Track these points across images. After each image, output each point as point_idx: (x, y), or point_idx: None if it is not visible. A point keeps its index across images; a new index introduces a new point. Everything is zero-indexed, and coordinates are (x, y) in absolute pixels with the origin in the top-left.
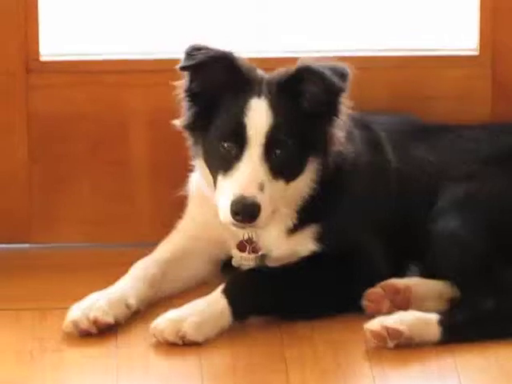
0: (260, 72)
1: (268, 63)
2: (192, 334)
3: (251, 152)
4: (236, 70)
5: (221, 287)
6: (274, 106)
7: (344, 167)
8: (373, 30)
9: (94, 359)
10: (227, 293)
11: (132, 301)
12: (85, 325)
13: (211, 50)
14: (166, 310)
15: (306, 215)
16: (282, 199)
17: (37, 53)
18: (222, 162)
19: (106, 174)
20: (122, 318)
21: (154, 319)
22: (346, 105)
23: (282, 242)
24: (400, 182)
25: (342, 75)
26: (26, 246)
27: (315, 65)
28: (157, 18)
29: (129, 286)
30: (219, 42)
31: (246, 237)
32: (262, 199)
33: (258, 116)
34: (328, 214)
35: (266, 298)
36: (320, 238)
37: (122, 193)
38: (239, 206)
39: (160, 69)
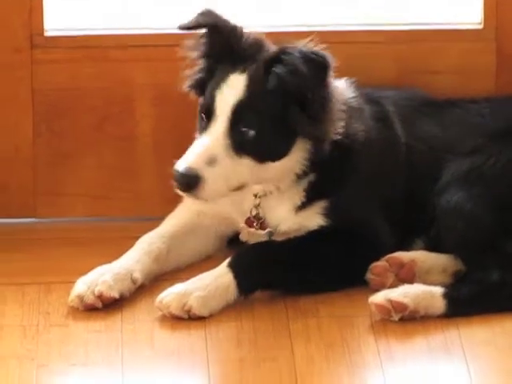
0: (266, 48)
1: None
2: (198, 309)
3: (215, 125)
4: (237, 42)
5: (227, 261)
6: (250, 83)
7: (354, 145)
8: (377, 4)
9: (99, 333)
10: (233, 267)
11: (137, 275)
12: (90, 299)
13: (220, 17)
14: (171, 283)
15: (315, 193)
16: (256, 176)
17: (41, 28)
18: (199, 133)
19: (111, 149)
20: (127, 292)
21: (159, 293)
22: (332, 89)
23: (289, 217)
24: (408, 158)
25: (318, 66)
26: (32, 220)
27: (295, 50)
28: None
29: (134, 260)
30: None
31: (253, 213)
32: (209, 173)
33: (229, 91)
34: (337, 190)
35: (271, 271)
36: (328, 214)
37: (128, 168)
38: (177, 176)
39: (166, 43)
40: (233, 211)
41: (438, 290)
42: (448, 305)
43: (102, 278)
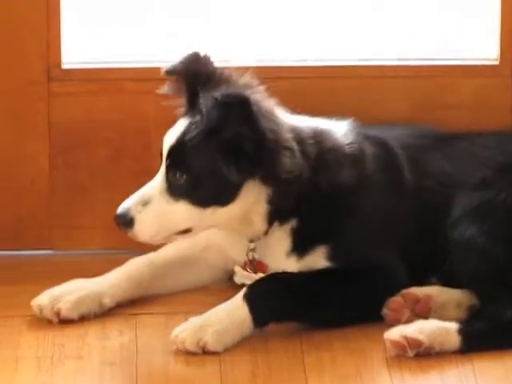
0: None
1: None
2: (213, 344)
3: (160, 170)
4: (197, 89)
5: (241, 294)
6: (186, 129)
7: (344, 191)
8: (392, 39)
9: (113, 366)
10: (248, 300)
11: (107, 300)
12: (48, 313)
13: (199, 64)
14: (185, 317)
15: (304, 239)
16: (202, 221)
17: (58, 60)
18: None
19: (126, 182)
20: (90, 315)
21: (174, 326)
22: (265, 128)
23: (291, 262)
24: (417, 197)
25: (225, 106)
26: (47, 252)
27: (210, 94)
28: (177, 27)
29: (112, 283)
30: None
31: (250, 257)
32: (139, 214)
33: (171, 135)
34: (334, 234)
35: (286, 305)
36: (331, 257)
37: None
38: (115, 216)
39: None
40: (235, 252)
41: (453, 326)
42: (463, 341)
43: (67, 297)
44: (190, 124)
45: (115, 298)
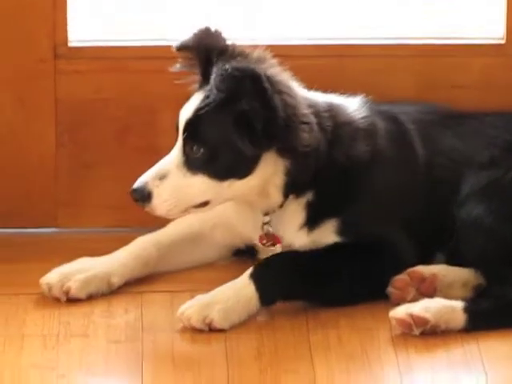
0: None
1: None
2: (219, 322)
3: (176, 143)
4: (211, 62)
5: (248, 272)
6: (201, 103)
7: (358, 165)
8: (398, 19)
9: (119, 344)
10: (255, 278)
11: (115, 280)
12: (57, 292)
13: (211, 38)
14: (191, 295)
15: (318, 212)
16: (219, 194)
17: (65, 39)
18: None
19: (132, 160)
20: (98, 294)
21: (179, 304)
22: (277, 102)
23: (302, 235)
24: (428, 173)
25: (235, 78)
26: (53, 230)
27: (222, 65)
28: (185, 6)
29: (120, 263)
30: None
31: (265, 231)
32: (157, 188)
33: (187, 109)
34: (345, 208)
35: (293, 283)
36: (341, 231)
37: None
38: (131, 190)
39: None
40: (247, 228)
41: (459, 305)
42: (468, 319)
43: (76, 276)
44: (204, 97)
45: (123, 277)
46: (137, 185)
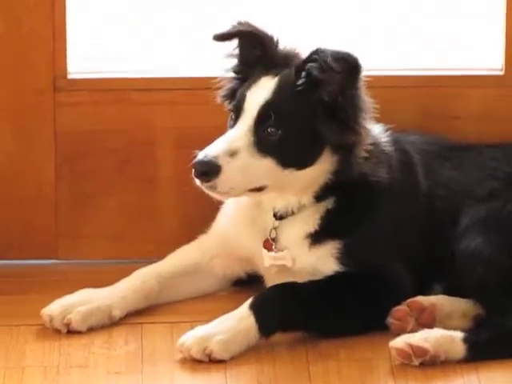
0: (300, 58)
1: None
2: (219, 353)
3: (242, 122)
4: (272, 50)
5: (248, 303)
6: (280, 86)
7: (378, 186)
8: (399, 50)
9: (119, 375)
10: (255, 309)
11: (116, 313)
12: (57, 323)
13: (256, 27)
14: (191, 326)
15: (329, 226)
16: (277, 181)
17: (64, 70)
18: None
19: (132, 192)
20: (99, 326)
21: (179, 335)
22: (363, 97)
23: (303, 247)
24: (428, 204)
25: (350, 65)
26: (53, 261)
27: (325, 48)
28: (183, 37)
29: (120, 296)
30: None
31: (272, 235)
32: (228, 164)
33: (259, 91)
34: (351, 232)
35: (292, 314)
36: (341, 257)
37: (149, 210)
38: (196, 164)
39: (187, 87)
40: (253, 241)
41: (458, 335)
42: (468, 349)
43: (78, 308)
44: (284, 80)
45: (124, 310)
46: (205, 157)
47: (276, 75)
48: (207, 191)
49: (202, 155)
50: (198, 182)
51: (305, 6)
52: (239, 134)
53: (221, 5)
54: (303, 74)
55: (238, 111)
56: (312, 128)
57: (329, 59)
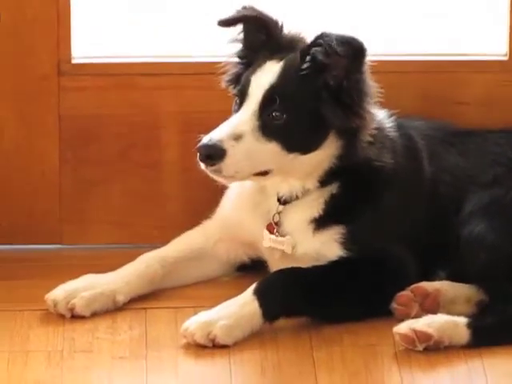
0: (305, 42)
1: None
2: (222, 338)
3: (246, 107)
4: (277, 34)
5: (251, 288)
6: (285, 70)
7: (382, 172)
8: (402, 35)
9: (123, 360)
10: (259, 295)
11: (120, 298)
12: (62, 308)
13: (261, 11)
14: (194, 311)
15: (334, 211)
16: (282, 165)
17: (69, 55)
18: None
19: (136, 177)
20: (103, 311)
21: (183, 320)
22: (367, 81)
23: (307, 232)
24: (432, 190)
25: (355, 49)
26: (57, 246)
27: (330, 32)
28: (189, 21)
29: (124, 281)
30: None
31: (275, 219)
32: (233, 148)
33: (264, 75)
34: (355, 217)
35: (296, 299)
36: (345, 242)
37: (153, 195)
38: (201, 147)
39: (192, 72)
40: (256, 226)
41: (462, 320)
42: (472, 335)
43: (82, 293)
44: (289, 64)
45: (128, 295)
46: (210, 141)
47: (281, 59)
48: (212, 175)
49: (206, 139)
50: (202, 165)
51: None
52: (244, 118)
53: None
54: (308, 58)
55: (242, 95)
56: (317, 112)
57: (334, 43)
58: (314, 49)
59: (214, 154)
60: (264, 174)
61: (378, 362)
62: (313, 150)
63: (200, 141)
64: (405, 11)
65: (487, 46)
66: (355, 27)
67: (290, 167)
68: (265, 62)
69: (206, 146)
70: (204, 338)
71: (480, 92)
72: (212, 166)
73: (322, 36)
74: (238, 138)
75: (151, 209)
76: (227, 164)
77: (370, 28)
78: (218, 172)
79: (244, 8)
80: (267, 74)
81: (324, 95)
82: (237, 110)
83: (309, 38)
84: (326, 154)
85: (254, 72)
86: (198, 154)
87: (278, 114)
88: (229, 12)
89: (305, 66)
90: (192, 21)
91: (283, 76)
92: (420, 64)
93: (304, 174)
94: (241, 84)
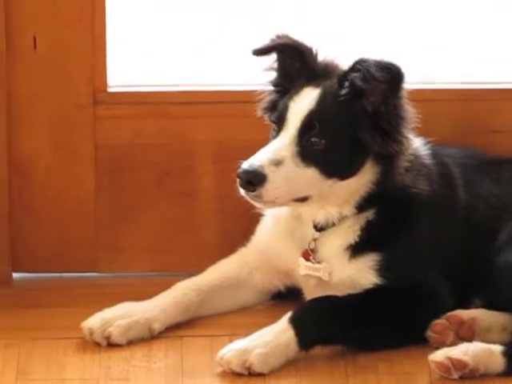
0: (341, 69)
1: None
2: (258, 366)
3: (285, 132)
4: (312, 61)
5: (287, 316)
6: (323, 96)
7: (419, 199)
8: (438, 63)
9: None
10: (294, 323)
11: (157, 326)
12: (98, 337)
13: (295, 39)
14: (230, 339)
15: (369, 238)
16: (321, 191)
17: (104, 84)
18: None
19: (171, 205)
20: (139, 339)
21: (219, 348)
22: (405, 107)
23: (343, 258)
24: (467, 218)
25: (393, 74)
26: (93, 274)
27: (368, 58)
28: (223, 50)
29: (160, 309)
30: None
31: (311, 246)
32: (273, 173)
33: (302, 101)
34: (391, 244)
35: (332, 328)
36: (380, 270)
37: (188, 222)
38: (241, 173)
39: (227, 100)
40: (292, 254)
41: (498, 348)
42: (507, 363)
43: (118, 321)
44: (327, 90)
45: (164, 323)
46: (251, 166)
47: (318, 86)
48: (252, 201)
49: (246, 164)
50: (242, 191)
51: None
52: (283, 143)
53: (259, 19)
54: (346, 83)
55: (281, 122)
56: (355, 138)
57: (372, 69)
58: (352, 74)
59: (255, 180)
60: (303, 199)
61: None
62: (351, 176)
63: (239, 167)
64: (439, 38)
65: None
66: (391, 55)
67: (328, 193)
68: (302, 88)
69: (247, 172)
70: (240, 366)
71: None
72: (253, 191)
73: (360, 62)
74: (278, 163)
75: (187, 237)
76: (267, 189)
77: (404, 55)
78: (259, 198)
79: (278, 37)
80: (305, 100)
81: (362, 121)
82: (275, 137)
83: (343, 65)
84: (363, 179)
85: (291, 98)
86: (239, 180)
87: (317, 139)
88: (263, 41)
89: (343, 91)
90: (226, 49)
91: (321, 102)
92: (454, 92)
93: (342, 199)
94: (279, 110)
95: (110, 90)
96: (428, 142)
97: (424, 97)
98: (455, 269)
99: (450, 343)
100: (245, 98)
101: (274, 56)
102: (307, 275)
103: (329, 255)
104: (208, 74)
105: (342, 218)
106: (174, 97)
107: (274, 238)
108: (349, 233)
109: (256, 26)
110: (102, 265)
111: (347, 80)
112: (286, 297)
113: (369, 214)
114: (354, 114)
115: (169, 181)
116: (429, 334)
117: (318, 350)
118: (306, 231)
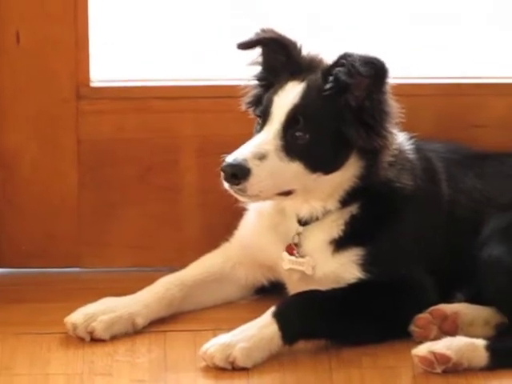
0: (325, 63)
1: None
2: (242, 360)
3: (269, 126)
4: (297, 56)
5: (270, 311)
6: (307, 90)
7: (402, 194)
8: (420, 58)
9: (142, 383)
10: (278, 317)
11: (140, 321)
12: (81, 332)
13: (280, 33)
14: (214, 334)
15: (353, 232)
16: (305, 185)
17: (87, 79)
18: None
19: (155, 199)
20: (122, 334)
21: (202, 343)
22: (389, 101)
23: (326, 256)
24: (450, 212)
25: (377, 69)
26: (76, 270)
27: (352, 53)
28: (206, 44)
29: (143, 304)
30: None
31: (295, 240)
32: (257, 167)
33: (286, 95)
34: (375, 238)
35: (315, 322)
36: (364, 264)
37: (172, 218)
38: (225, 166)
39: (210, 95)
40: (276, 248)
41: (481, 343)
42: (490, 357)
43: (101, 316)
44: (312, 84)
45: (147, 318)
46: (235, 160)
47: (303, 80)
48: (236, 195)
49: (231, 158)
50: (226, 185)
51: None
52: (268, 137)
53: (243, 13)
54: (331, 78)
55: (265, 116)
56: (339, 132)
57: (357, 63)
58: (336, 69)
59: (239, 173)
60: (287, 193)
61: (396, 383)
62: (335, 170)
63: (223, 161)
64: (421, 33)
65: (505, 69)
66: (372, 50)
67: (312, 187)
68: (286, 82)
69: (231, 165)
70: (223, 361)
71: (497, 115)
72: (237, 185)
73: (344, 56)
74: (262, 157)
75: (170, 232)
76: (252, 183)
77: (387, 50)
78: (243, 191)
79: (263, 31)
80: (290, 95)
81: (346, 115)
82: (259, 131)
83: (328, 60)
84: (347, 174)
85: (276, 92)
86: (223, 174)
87: (301, 134)
88: (248, 35)
89: (328, 86)
90: (210, 44)
91: (306, 96)
92: (437, 87)
93: (326, 194)
94: (263, 104)
95: (92, 84)
96: (411, 137)
97: (407, 91)
98: (439, 263)
99: (433, 337)
100: (228, 93)
101: (258, 50)
102: (291, 269)
103: (312, 249)
104: (191, 69)
105: (326, 213)
106: (156, 92)
107: (257, 233)
108: (333, 227)
109: (238, 20)
110: (85, 260)
111: (331, 74)
112: (270, 291)
113: (353, 209)
114: (339, 109)
115: (152, 175)
116: (412, 328)
117: (301, 345)
118: (290, 225)
